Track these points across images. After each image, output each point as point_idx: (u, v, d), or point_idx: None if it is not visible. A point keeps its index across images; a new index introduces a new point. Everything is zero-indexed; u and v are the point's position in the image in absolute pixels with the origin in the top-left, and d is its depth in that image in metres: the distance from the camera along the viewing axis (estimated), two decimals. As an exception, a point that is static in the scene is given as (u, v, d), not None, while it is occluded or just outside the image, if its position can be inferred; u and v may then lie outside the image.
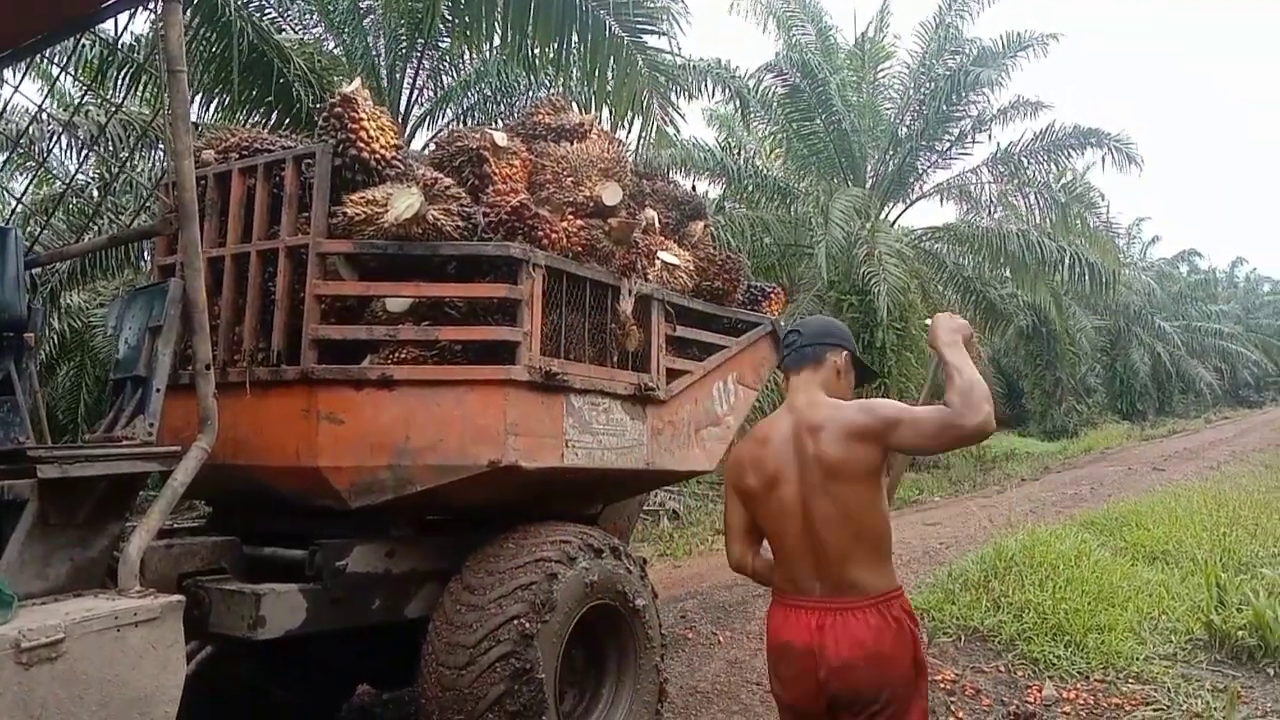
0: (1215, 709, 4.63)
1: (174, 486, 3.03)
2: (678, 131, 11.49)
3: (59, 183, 10.98)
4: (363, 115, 3.90)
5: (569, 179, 4.38)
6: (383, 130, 3.98)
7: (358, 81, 4.27)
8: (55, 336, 11.90)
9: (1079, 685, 5.11)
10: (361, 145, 3.85)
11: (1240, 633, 5.45)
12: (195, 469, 3.07)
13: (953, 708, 4.91)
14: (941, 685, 5.14)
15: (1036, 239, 16.50)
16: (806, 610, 2.46)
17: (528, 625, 3.52)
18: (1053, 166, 17.17)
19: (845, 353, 2.69)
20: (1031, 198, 16.98)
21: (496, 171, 4.20)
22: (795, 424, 2.53)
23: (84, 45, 8.70)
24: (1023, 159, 16.76)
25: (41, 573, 2.83)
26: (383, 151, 3.92)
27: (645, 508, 10.12)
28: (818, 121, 16.15)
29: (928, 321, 2.55)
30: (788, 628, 2.49)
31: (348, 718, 5.02)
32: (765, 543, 2.66)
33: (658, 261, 4.65)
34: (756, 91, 16.00)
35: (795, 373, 2.65)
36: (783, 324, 5.88)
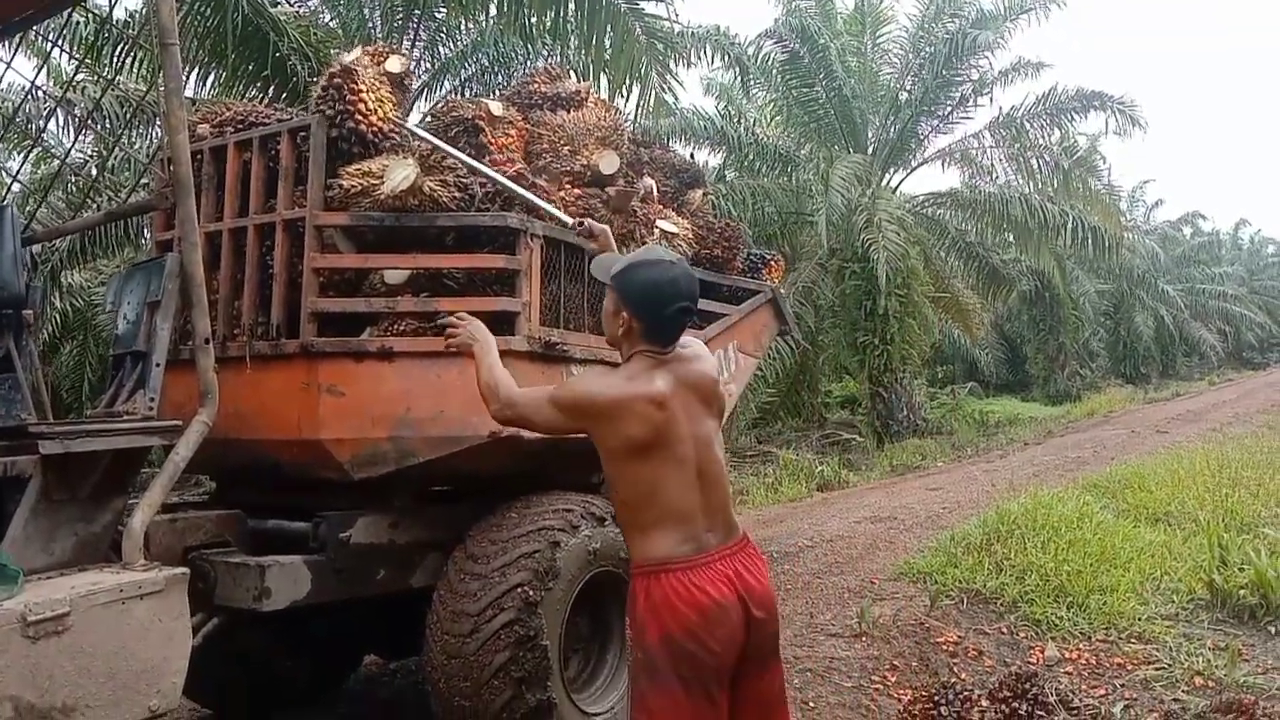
0: (1216, 667, 4.66)
1: (176, 461, 3.04)
2: (676, 99, 11.42)
3: (56, 160, 10.94)
4: (362, 86, 3.86)
5: (566, 148, 4.36)
6: (381, 102, 3.94)
7: (358, 50, 4.22)
8: (57, 316, 11.92)
9: (1081, 645, 5.14)
10: (360, 118, 3.81)
11: (1242, 592, 5.48)
12: (197, 443, 3.09)
13: (956, 669, 4.94)
14: (944, 647, 5.18)
15: (1039, 203, 16.36)
16: (717, 562, 2.35)
17: (531, 593, 3.54)
18: (1055, 130, 17.02)
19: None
20: (1034, 162, 16.82)
21: (492, 141, 4.18)
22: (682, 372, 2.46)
23: (78, 21, 8.64)
24: (1025, 123, 16.56)
25: (46, 547, 2.85)
26: (380, 124, 3.89)
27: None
28: (818, 88, 16.00)
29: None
30: (710, 586, 2.32)
31: (355, 688, 5.06)
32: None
33: (656, 230, 4.62)
34: (756, 58, 15.87)
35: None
36: (783, 291, 5.88)
